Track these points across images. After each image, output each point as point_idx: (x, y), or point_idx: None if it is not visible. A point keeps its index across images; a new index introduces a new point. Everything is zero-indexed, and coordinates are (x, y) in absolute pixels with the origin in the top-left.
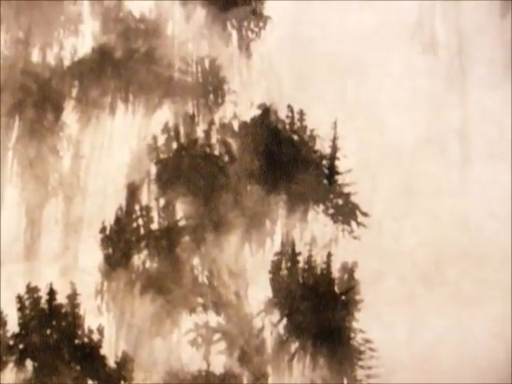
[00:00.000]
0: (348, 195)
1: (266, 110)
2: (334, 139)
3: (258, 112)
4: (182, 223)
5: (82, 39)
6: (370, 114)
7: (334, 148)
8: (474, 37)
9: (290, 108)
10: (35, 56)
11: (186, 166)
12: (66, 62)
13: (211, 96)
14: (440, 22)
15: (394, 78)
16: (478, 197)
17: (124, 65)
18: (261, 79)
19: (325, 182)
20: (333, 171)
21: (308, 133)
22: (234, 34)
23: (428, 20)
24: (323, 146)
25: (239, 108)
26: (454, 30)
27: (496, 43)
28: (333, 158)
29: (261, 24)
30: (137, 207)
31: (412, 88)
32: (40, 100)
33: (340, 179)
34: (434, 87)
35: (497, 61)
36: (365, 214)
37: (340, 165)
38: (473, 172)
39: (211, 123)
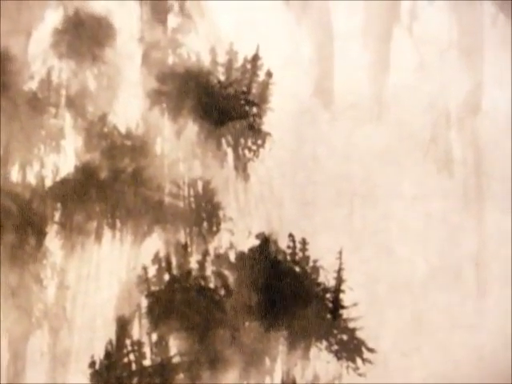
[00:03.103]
0: (353, 330)
1: (266, 240)
2: (339, 270)
3: (256, 242)
4: (176, 360)
5: (64, 156)
6: (378, 242)
7: (339, 280)
8: (491, 152)
9: (291, 237)
10: (15, 174)
11: (179, 300)
12: (48, 182)
13: (205, 224)
14: (456, 136)
15: (406, 201)
16: (494, 328)
17: (110, 186)
18: (259, 205)
19: (328, 316)
20: (337, 305)
21: (311, 264)
22: (230, 152)
23: (443, 135)
24: (327, 278)
25: (236, 237)
26: (470, 144)
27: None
28: (337, 290)
29: (259, 141)
30: (128, 342)
31: (425, 212)
32: (21, 223)
33: (345, 313)
34: (448, 210)
35: None
36: (371, 350)
37: (345, 298)
38: (489, 302)
39: (205, 254)
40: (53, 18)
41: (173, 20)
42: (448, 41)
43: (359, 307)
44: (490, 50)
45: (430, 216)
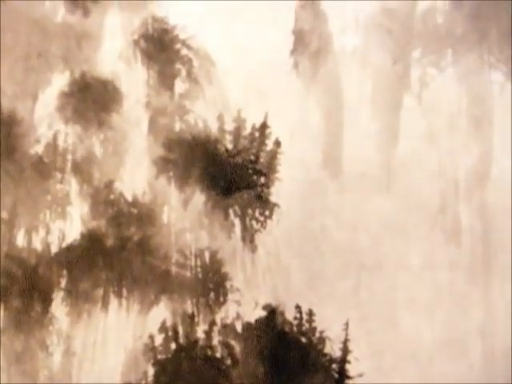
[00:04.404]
0: None
1: (272, 311)
2: (345, 341)
3: (263, 313)
4: None
5: (70, 223)
6: (384, 312)
7: (345, 351)
8: (499, 221)
9: (298, 308)
10: (20, 239)
11: (185, 369)
12: (54, 248)
13: (212, 294)
14: (464, 205)
15: (413, 272)
16: None
17: (116, 254)
18: (267, 276)
19: None
20: (343, 376)
21: (317, 335)
22: (237, 223)
23: (451, 204)
24: (333, 349)
25: (243, 308)
26: (478, 214)
27: None
28: (343, 361)
29: (267, 212)
30: None
31: (432, 283)
32: (26, 289)
33: None
34: (455, 281)
35: None
36: None
37: (351, 368)
38: (496, 373)
39: (212, 324)
40: (59, 81)
41: (180, 85)
42: (457, 109)
43: (365, 378)
44: (499, 118)
45: (437, 286)
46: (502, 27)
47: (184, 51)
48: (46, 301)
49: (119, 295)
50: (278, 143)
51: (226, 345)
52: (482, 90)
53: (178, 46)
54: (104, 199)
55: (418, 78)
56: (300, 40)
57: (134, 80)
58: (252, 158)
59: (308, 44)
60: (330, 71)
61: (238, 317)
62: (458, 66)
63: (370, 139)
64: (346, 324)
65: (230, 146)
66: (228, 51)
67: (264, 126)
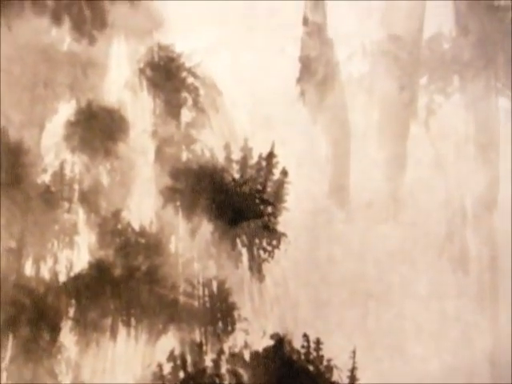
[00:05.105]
0: None
1: (280, 340)
2: (353, 369)
3: (271, 342)
4: None
5: (77, 252)
6: (392, 341)
7: (353, 379)
8: (507, 249)
9: (305, 337)
10: (28, 269)
11: None
12: (62, 277)
13: (220, 323)
14: (471, 233)
15: (420, 300)
16: None
17: (124, 284)
18: (274, 306)
19: None
20: None
21: (325, 363)
22: (245, 252)
23: (459, 232)
24: (341, 377)
25: (251, 337)
26: (485, 241)
27: None
28: None
29: (274, 242)
30: None
31: (439, 311)
32: (35, 318)
33: None
34: (463, 309)
35: None
36: None
37: None
38: None
39: (220, 352)
40: (66, 110)
41: (186, 114)
42: (464, 136)
43: None
44: (506, 145)
45: (445, 315)
46: (509, 52)
47: (190, 79)
48: (55, 330)
49: (128, 324)
50: (284, 173)
51: (234, 373)
52: (488, 116)
53: (184, 74)
54: (111, 229)
55: (425, 105)
56: (306, 67)
57: (140, 109)
58: (259, 187)
59: (314, 72)
60: (337, 99)
61: (246, 345)
62: (464, 92)
63: (377, 167)
64: (354, 352)
65: (236, 176)
66: (234, 79)
67: (271, 156)
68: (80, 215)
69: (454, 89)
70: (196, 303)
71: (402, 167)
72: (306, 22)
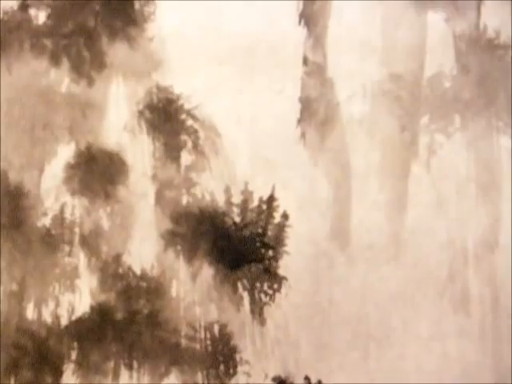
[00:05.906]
0: None
1: (282, 383)
2: None
3: None
4: None
5: (79, 296)
6: (393, 382)
7: None
8: (508, 289)
9: (307, 379)
10: (30, 312)
11: None
12: (64, 321)
13: (222, 366)
14: (473, 273)
15: (422, 342)
16: None
17: (126, 327)
18: (276, 348)
19: None
20: None
21: None
22: (246, 296)
23: (460, 273)
24: None
25: (253, 379)
26: (487, 282)
27: None
28: None
29: (275, 286)
30: None
31: (441, 352)
32: (37, 361)
33: None
34: (465, 350)
35: None
36: None
37: None
38: None
39: None
40: (65, 152)
41: (186, 157)
42: (466, 176)
43: None
44: (507, 184)
45: (446, 356)
46: (509, 91)
47: (189, 122)
48: (57, 373)
49: (130, 367)
50: (285, 216)
51: None
52: (490, 155)
53: (184, 116)
54: (112, 273)
55: (426, 145)
56: (307, 108)
57: (139, 152)
58: (260, 231)
59: (315, 112)
60: (338, 140)
61: None
62: (466, 131)
63: (378, 209)
64: None
65: (237, 219)
66: (233, 121)
67: (271, 199)
68: (81, 259)
69: (455, 128)
70: (198, 346)
71: (403, 208)
72: (305, 61)
